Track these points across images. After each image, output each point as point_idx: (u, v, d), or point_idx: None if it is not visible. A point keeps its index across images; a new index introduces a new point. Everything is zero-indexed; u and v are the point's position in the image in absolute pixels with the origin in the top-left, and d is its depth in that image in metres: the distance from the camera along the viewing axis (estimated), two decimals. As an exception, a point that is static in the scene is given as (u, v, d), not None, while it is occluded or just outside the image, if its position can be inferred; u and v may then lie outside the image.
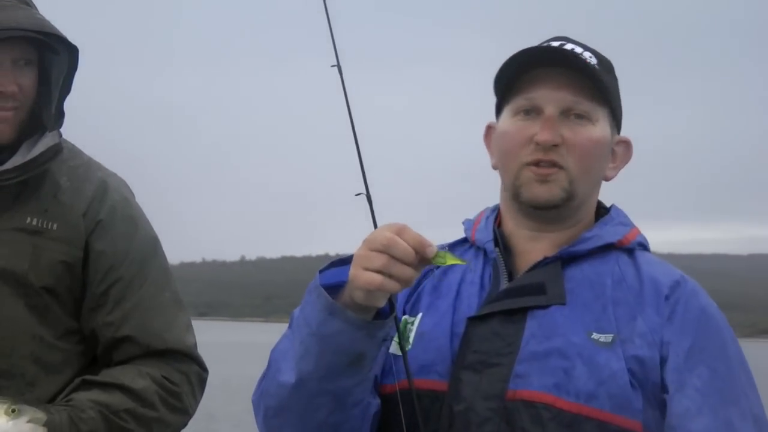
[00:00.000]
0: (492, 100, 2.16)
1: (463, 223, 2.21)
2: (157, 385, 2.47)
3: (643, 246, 2.13)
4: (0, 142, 2.45)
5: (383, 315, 1.91)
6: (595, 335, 1.97)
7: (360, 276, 1.83)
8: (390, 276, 1.81)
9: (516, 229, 2.11)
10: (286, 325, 2.03)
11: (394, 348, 2.05)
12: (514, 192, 2.07)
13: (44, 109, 2.50)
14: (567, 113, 2.04)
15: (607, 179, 2.14)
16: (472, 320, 2.03)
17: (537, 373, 1.95)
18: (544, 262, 2.06)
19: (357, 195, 1.97)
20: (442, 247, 1.88)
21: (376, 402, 2.02)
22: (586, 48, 2.11)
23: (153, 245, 2.59)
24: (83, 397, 2.41)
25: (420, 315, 2.08)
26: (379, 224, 1.94)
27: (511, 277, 2.08)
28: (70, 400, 2.40)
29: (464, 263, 1.95)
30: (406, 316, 2.09)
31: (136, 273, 2.52)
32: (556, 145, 2.02)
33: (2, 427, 2.17)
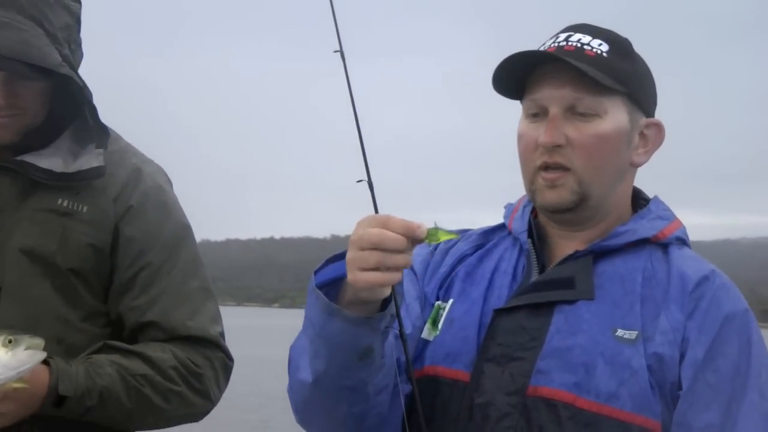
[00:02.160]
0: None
1: (505, 207, 2.21)
2: (178, 362, 2.47)
3: (682, 240, 2.09)
4: (1, 144, 2.45)
5: (387, 302, 1.90)
6: (620, 332, 1.95)
7: (359, 278, 1.81)
8: (387, 269, 1.80)
9: (547, 223, 2.11)
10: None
11: (425, 333, 2.07)
12: (531, 197, 2.07)
13: (71, 116, 2.49)
14: (572, 110, 1.99)
15: (636, 165, 2.08)
16: (499, 312, 2.03)
17: (558, 370, 1.94)
18: (575, 256, 2.04)
19: (359, 182, 1.95)
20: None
21: (407, 387, 2.00)
22: (597, 34, 2.04)
23: (184, 233, 2.58)
24: (103, 356, 2.42)
25: (451, 301, 2.09)
26: (380, 211, 1.92)
27: (543, 269, 2.07)
28: (90, 358, 2.41)
29: (457, 237, 1.92)
30: (439, 302, 2.10)
31: (165, 259, 2.52)
32: (560, 146, 1.99)
33: (1, 359, 2.13)
